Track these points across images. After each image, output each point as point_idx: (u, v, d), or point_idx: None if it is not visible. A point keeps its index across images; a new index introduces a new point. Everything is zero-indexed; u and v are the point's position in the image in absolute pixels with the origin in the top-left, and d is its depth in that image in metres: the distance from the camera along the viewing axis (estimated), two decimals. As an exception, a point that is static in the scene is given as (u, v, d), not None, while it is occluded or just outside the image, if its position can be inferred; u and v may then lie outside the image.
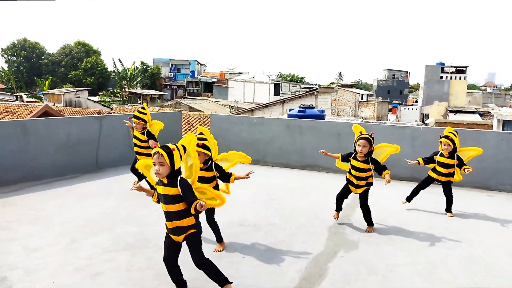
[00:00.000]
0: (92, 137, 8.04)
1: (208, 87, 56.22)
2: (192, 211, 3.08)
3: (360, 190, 4.97)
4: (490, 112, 38.72)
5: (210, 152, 4.11)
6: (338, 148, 8.54)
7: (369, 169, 4.83)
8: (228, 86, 53.52)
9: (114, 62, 48.92)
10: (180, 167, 3.16)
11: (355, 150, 4.86)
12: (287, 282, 3.62)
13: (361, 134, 4.86)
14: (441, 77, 49.09)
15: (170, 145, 3.12)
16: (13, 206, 5.53)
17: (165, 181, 3.14)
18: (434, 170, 5.71)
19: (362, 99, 33.76)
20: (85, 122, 8.02)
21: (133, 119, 6.19)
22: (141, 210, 5.54)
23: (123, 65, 49.39)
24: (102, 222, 5.04)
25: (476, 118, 40.37)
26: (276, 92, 51.44)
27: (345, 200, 5.28)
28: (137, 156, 6.22)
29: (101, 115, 8.86)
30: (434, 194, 6.08)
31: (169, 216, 3.17)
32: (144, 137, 6.10)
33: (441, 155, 5.54)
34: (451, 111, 45.23)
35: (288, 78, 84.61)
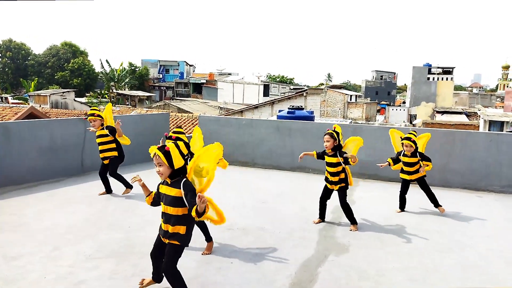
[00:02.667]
0: (77, 140, 7.85)
1: (197, 88, 55.92)
2: (193, 214, 2.96)
3: (336, 187, 5.11)
4: (476, 112, 39.27)
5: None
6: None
7: (339, 163, 4.97)
8: (217, 87, 53.30)
9: (101, 63, 48.18)
10: (184, 166, 3.08)
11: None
12: (277, 288, 3.53)
13: (327, 131, 5.05)
14: (428, 78, 49.65)
15: (168, 144, 3.05)
16: (-7, 212, 5.33)
17: (169, 181, 3.11)
18: (402, 171, 5.86)
19: (350, 100, 33.93)
20: (70, 124, 7.82)
21: (89, 118, 6.20)
22: (127, 215, 5.40)
23: (110, 66, 48.88)
24: (86, 228, 4.88)
25: (462, 118, 40.87)
26: (266, 93, 51.39)
27: (328, 202, 5.33)
28: (101, 154, 6.19)
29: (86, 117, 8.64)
30: (423, 195, 6.03)
31: (166, 218, 3.14)
32: (105, 131, 6.14)
33: (404, 155, 5.71)
34: (438, 112, 45.72)
35: (278, 79, 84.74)
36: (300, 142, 8.61)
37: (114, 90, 48.46)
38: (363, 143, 5.23)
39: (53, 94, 32.97)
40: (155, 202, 3.33)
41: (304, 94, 28.16)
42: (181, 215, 3.09)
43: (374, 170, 7.95)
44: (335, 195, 5.20)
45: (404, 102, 64.54)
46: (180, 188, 3.05)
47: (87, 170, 7.94)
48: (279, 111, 12.81)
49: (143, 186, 3.35)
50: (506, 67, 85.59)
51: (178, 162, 3.04)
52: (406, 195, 5.89)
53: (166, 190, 3.12)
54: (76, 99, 36.67)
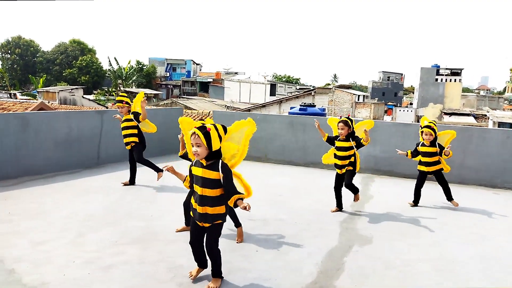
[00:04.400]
0: (94, 132, 7.90)
1: (204, 87, 56.05)
2: (231, 204, 3.00)
3: (344, 170, 5.24)
4: (484, 114, 39.02)
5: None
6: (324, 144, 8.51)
7: (351, 147, 5.14)
8: (224, 86, 53.40)
9: (109, 61, 48.37)
10: (220, 149, 3.04)
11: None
12: (305, 276, 3.53)
13: (340, 118, 5.22)
14: (436, 80, 49.36)
15: (207, 125, 3.00)
16: (13, 200, 5.38)
17: (204, 163, 3.04)
18: (420, 163, 5.78)
19: (358, 100, 33.84)
20: (87, 117, 7.87)
21: (117, 104, 6.22)
22: (145, 205, 5.43)
23: (118, 64, 49.05)
24: (106, 216, 4.91)
25: (470, 120, 40.61)
26: (272, 92, 51.41)
27: (345, 194, 5.46)
28: (124, 140, 6.22)
29: (103, 109, 8.72)
30: (437, 191, 6.00)
31: (203, 200, 3.07)
32: (131, 116, 6.18)
33: (423, 145, 5.64)
34: (446, 113, 45.48)
35: (284, 79, 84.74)
36: (312, 137, 8.59)
37: (122, 88, 48.69)
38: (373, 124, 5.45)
39: (62, 90, 33.17)
40: (192, 186, 3.26)
41: (312, 93, 28.16)
42: (220, 195, 3.08)
43: (388, 166, 7.94)
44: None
45: (411, 104, 64.26)
46: (218, 171, 3.02)
47: (103, 162, 7.99)
48: (291, 108, 12.86)
49: (176, 173, 3.29)
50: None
51: (216, 144, 3.00)
52: (421, 189, 5.83)
53: (202, 172, 3.05)
54: (84, 96, 36.87)
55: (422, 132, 5.62)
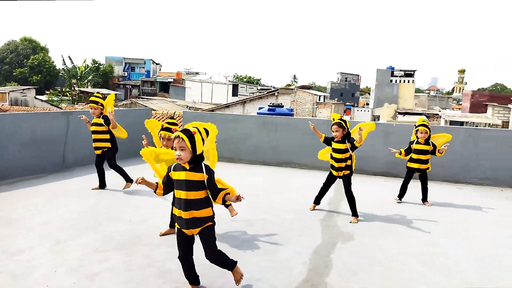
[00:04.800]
0: (59, 134, 7.53)
1: (164, 87, 55.00)
2: (219, 202, 2.97)
3: (341, 173, 5.15)
4: (437, 114, 41.16)
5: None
6: (313, 144, 8.66)
7: (347, 150, 5.04)
8: (185, 86, 52.68)
9: (63, 60, 46.23)
10: (202, 152, 2.99)
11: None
12: (295, 275, 3.57)
13: (334, 120, 5.11)
14: (391, 81, 51.48)
15: (191, 128, 2.94)
16: (-22, 208, 5.03)
17: (187, 167, 2.95)
18: (411, 160, 5.95)
19: (319, 100, 34.58)
20: (51, 118, 7.49)
21: (90, 104, 5.96)
22: (123, 209, 5.26)
23: (73, 63, 47.05)
24: (84, 222, 4.71)
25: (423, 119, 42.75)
26: (234, 93, 51.38)
27: (327, 193, 5.50)
28: (94, 144, 5.99)
29: (69, 110, 8.34)
30: (417, 188, 6.27)
31: (188, 205, 2.96)
32: (101, 121, 5.92)
33: (417, 143, 5.81)
34: (400, 113, 47.55)
35: (245, 79, 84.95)
36: (284, 137, 8.71)
37: (77, 88, 46.70)
38: (375, 127, 5.50)
39: (13, 91, 31.30)
40: (166, 191, 3.16)
41: (276, 94, 28.44)
42: (205, 197, 3.03)
43: (358, 165, 8.18)
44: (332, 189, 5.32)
45: (367, 104, 66.57)
46: (202, 172, 2.97)
47: (69, 166, 7.65)
48: (260, 108, 12.93)
49: (147, 183, 3.09)
50: (462, 71, 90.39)
51: (200, 147, 2.94)
52: (408, 185, 6.06)
53: (186, 175, 2.94)
54: (37, 96, 34.99)
55: (417, 130, 5.77)
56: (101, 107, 5.98)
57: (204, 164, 3.03)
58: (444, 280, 3.57)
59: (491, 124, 27.98)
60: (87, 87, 49.29)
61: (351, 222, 5.06)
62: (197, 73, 62.91)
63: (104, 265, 3.62)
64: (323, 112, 32.10)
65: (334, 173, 5.25)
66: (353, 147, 5.03)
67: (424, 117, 6.14)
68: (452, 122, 30.84)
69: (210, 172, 3.02)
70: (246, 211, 5.30)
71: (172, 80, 55.29)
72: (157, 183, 3.18)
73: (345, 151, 5.06)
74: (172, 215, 4.29)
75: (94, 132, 5.99)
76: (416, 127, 5.88)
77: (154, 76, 58.57)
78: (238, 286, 3.26)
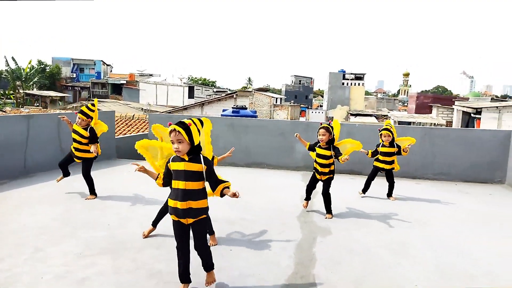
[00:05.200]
0: (19, 139, 7.17)
1: (117, 89, 53.28)
2: (217, 194, 3.04)
3: (325, 177, 5.36)
4: (386, 115, 43.29)
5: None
6: (282, 146, 8.92)
7: (331, 156, 5.21)
8: (139, 88, 51.33)
9: (6, 61, 43.46)
10: (200, 143, 3.06)
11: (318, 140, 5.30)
12: (284, 268, 3.73)
13: (321, 124, 5.29)
14: (343, 84, 53.44)
15: (186, 120, 3.00)
16: None
17: (186, 158, 3.02)
18: (378, 160, 6.33)
19: (276, 102, 35.15)
20: (11, 123, 7.12)
21: (79, 115, 5.74)
22: (98, 214, 5.15)
23: (17, 64, 44.34)
24: (60, 228, 4.57)
25: (373, 120, 44.80)
26: (191, 95, 50.87)
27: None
28: (76, 152, 5.77)
29: (29, 114, 7.95)
30: (380, 185, 6.67)
31: (186, 194, 3.03)
32: (86, 133, 5.71)
33: (383, 145, 6.19)
34: (352, 114, 49.54)
35: (200, 81, 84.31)
36: (254, 139, 8.87)
37: (21, 90, 44.03)
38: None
39: (-51, 93, 28.88)
40: (166, 182, 3.23)
41: (234, 96, 28.55)
42: (202, 188, 3.11)
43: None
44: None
45: (321, 106, 68.53)
46: (201, 163, 3.05)
47: (31, 171, 7.31)
48: (224, 110, 13.00)
49: (147, 171, 3.26)
50: (407, 75, 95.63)
51: (197, 138, 3.03)
52: (371, 182, 6.44)
53: (184, 165, 3.02)
54: (-23, 99, 32.55)
55: (381, 134, 6.14)
56: (89, 120, 5.79)
57: (203, 155, 3.11)
58: (417, 267, 3.88)
59: (436, 124, 29.93)
60: (32, 89, 46.62)
61: (326, 218, 5.32)
62: (151, 75, 61.52)
63: (91, 270, 3.56)
64: (280, 114, 32.67)
65: (318, 176, 5.43)
66: (337, 156, 5.17)
67: (390, 121, 6.62)
68: (400, 123, 32.64)
69: (208, 163, 3.10)
70: (227, 211, 5.38)
71: (124, 82, 53.65)
72: (159, 173, 3.26)
73: (329, 157, 5.23)
74: (159, 214, 4.33)
75: (76, 141, 5.76)
76: (380, 131, 6.25)
77: (105, 78, 56.51)
78: (231, 280, 3.35)
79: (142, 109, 39.33)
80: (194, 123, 3.05)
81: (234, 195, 3.01)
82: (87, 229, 4.57)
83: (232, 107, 12.44)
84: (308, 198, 5.67)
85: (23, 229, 4.48)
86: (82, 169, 5.87)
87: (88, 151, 5.79)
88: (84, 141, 5.73)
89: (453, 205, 6.31)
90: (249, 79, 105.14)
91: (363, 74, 55.85)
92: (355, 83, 54.20)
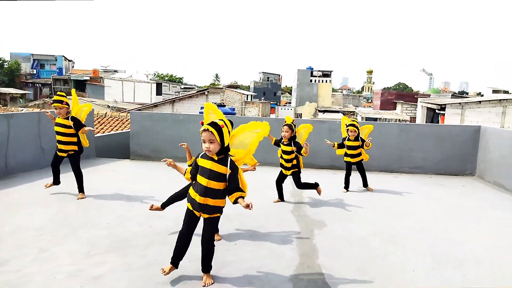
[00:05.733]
0: (0, 139, 6.93)
1: (80, 86, 51.49)
2: (231, 200, 3.16)
3: (289, 172, 5.74)
4: (353, 111, 44.48)
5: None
6: (268, 143, 9.07)
7: (292, 152, 5.62)
8: (104, 84, 49.87)
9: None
10: (228, 144, 3.16)
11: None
12: (289, 260, 3.91)
13: (285, 122, 5.68)
14: (311, 81, 54.35)
15: (219, 122, 3.10)
16: None
17: (215, 158, 3.13)
18: (346, 155, 6.73)
19: (247, 99, 35.32)
20: (-11, 121, 6.86)
21: (54, 104, 5.62)
22: (94, 214, 5.13)
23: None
24: (59, 229, 4.53)
25: (340, 116, 46.02)
26: (158, 92, 50.02)
27: (284, 186, 6.03)
28: (59, 146, 5.68)
29: (9, 113, 7.68)
30: (357, 179, 7.00)
31: (206, 192, 3.16)
32: (69, 122, 5.62)
33: (348, 140, 6.60)
34: (320, 111, 50.56)
35: (166, 78, 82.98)
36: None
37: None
38: (312, 129, 5.99)
39: None
40: (193, 176, 3.33)
41: (206, 93, 28.44)
42: (223, 189, 3.22)
43: (306, 160, 8.80)
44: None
45: (288, 103, 69.39)
46: (227, 166, 3.15)
47: (13, 172, 7.11)
48: (201, 107, 12.95)
49: (176, 167, 3.47)
50: (370, 72, 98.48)
51: (227, 139, 3.14)
52: (349, 177, 6.76)
53: (212, 165, 3.13)
54: None
55: (347, 129, 6.51)
56: (67, 106, 5.66)
57: (231, 160, 3.21)
58: (411, 255, 4.17)
59: (400, 119, 31.18)
60: (-11, 86, 44.28)
61: (319, 193, 5.88)
62: (115, 71, 59.96)
63: (103, 268, 3.59)
64: (251, 111, 32.86)
65: (284, 171, 5.83)
66: (298, 151, 5.58)
67: (356, 118, 7.05)
68: (367, 119, 33.73)
69: (234, 168, 3.21)
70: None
71: (88, 78, 52.01)
72: (186, 168, 3.42)
73: (291, 152, 5.63)
74: (170, 199, 4.41)
75: (59, 133, 5.65)
76: (346, 126, 6.63)
77: (67, 74, 54.52)
78: (241, 273, 3.49)
79: (108, 106, 38.30)
80: (226, 124, 3.16)
81: (247, 206, 3.09)
82: (87, 229, 4.56)
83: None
84: (280, 196, 5.99)
85: (21, 231, 4.40)
86: (71, 165, 5.78)
87: (73, 143, 5.70)
88: (68, 131, 5.63)
89: (432, 196, 6.73)
90: (217, 76, 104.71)
91: (330, 71, 57.05)
92: (322, 80, 55.27)
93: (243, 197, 3.25)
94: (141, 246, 4.11)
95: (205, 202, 3.19)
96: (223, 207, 3.34)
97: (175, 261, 3.42)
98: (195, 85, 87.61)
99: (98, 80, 51.70)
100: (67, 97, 5.77)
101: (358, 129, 6.52)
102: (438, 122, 20.44)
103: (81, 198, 5.75)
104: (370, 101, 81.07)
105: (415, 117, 30.42)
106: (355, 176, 6.99)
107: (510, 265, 3.97)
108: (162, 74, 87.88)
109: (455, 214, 5.73)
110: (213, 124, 3.09)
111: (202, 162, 3.20)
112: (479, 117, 18.33)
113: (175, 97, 30.87)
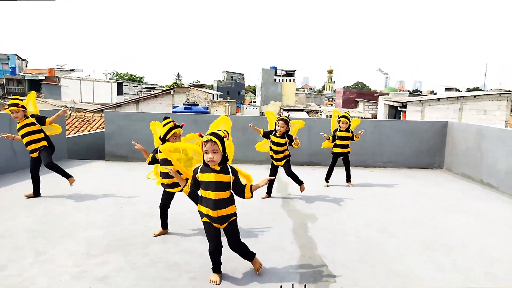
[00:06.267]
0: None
1: (34, 86, 49.03)
2: (248, 195, 3.22)
3: (282, 163, 5.92)
4: (317, 110, 45.46)
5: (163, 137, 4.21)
6: (245, 141, 9.17)
7: (285, 144, 5.84)
8: (61, 84, 47.82)
9: None
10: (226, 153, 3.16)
11: (275, 129, 5.85)
12: (292, 252, 4.01)
13: (280, 116, 5.88)
14: (275, 80, 54.91)
15: (220, 132, 3.11)
16: None
17: (217, 168, 3.12)
18: (336, 146, 6.96)
19: (213, 98, 35.18)
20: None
21: (12, 108, 5.43)
22: (82, 215, 5.00)
23: None
24: (52, 230, 4.39)
25: (304, 115, 46.86)
26: (119, 91, 48.65)
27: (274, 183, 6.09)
28: (29, 147, 5.51)
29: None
30: (343, 173, 7.25)
31: (217, 204, 3.16)
32: (30, 119, 5.51)
33: (340, 130, 6.87)
34: (284, 110, 51.22)
35: (126, 77, 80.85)
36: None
37: None
38: (304, 125, 6.16)
39: None
40: (193, 191, 3.30)
41: (172, 93, 28.02)
42: (230, 196, 3.25)
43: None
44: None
45: (252, 102, 69.70)
46: (229, 174, 3.17)
47: (-16, 175, 6.72)
48: (174, 106, 12.86)
49: (178, 176, 3.36)
50: (331, 71, 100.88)
51: (229, 149, 3.18)
52: (333, 169, 7.00)
53: (215, 177, 3.12)
54: None
55: (339, 121, 6.78)
56: (23, 109, 5.53)
57: (230, 166, 3.23)
58: (404, 242, 4.41)
59: (363, 117, 32.26)
60: None
61: (301, 191, 5.95)
62: (72, 70, 57.70)
63: (107, 267, 3.54)
64: (218, 110, 32.77)
65: (275, 163, 5.96)
66: (290, 143, 5.79)
67: (347, 110, 7.33)
68: (330, 117, 34.63)
69: (235, 173, 3.23)
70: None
71: (43, 77, 49.67)
72: (187, 179, 3.35)
73: (284, 144, 5.82)
74: (162, 216, 4.34)
75: (26, 134, 5.49)
76: (339, 118, 6.88)
77: (21, 73, 51.76)
78: (248, 268, 3.56)
79: (66, 106, 36.77)
80: (228, 133, 3.19)
81: (265, 182, 3.22)
82: (81, 229, 4.44)
83: (184, 104, 12.37)
84: (269, 191, 6.14)
85: (12, 233, 4.23)
86: (43, 161, 5.57)
87: (41, 140, 5.56)
88: (33, 128, 5.51)
89: (409, 188, 7.08)
90: (178, 75, 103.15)
91: (294, 71, 57.91)
92: (286, 79, 55.99)
93: (252, 184, 3.31)
94: (141, 245, 4.07)
95: (219, 214, 3.20)
96: (236, 212, 3.36)
97: (218, 268, 3.40)
98: (156, 84, 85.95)
99: (54, 80, 49.53)
100: (22, 98, 5.61)
101: (350, 121, 6.79)
102: (400, 119, 21.38)
103: (73, 182, 5.71)
104: (331, 99, 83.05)
105: (376, 115, 31.58)
106: (335, 172, 7.22)
107: (493, 248, 4.30)
108: (121, 73, 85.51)
109: (435, 203, 6.08)
110: (215, 135, 3.07)
111: (204, 177, 3.16)
112: (438, 113, 19.37)
113: (140, 97, 30.18)
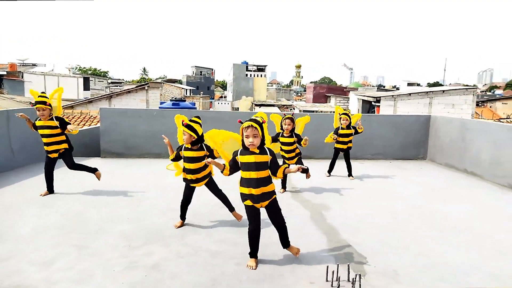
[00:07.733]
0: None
1: (-5, 81, 46.65)
2: (280, 175, 3.51)
3: (294, 161, 6.11)
4: (289, 105, 46.07)
5: (196, 134, 4.38)
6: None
7: (294, 142, 6.01)
8: (23, 80, 45.77)
9: None
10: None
11: (281, 129, 6.00)
12: (317, 237, 4.31)
13: (285, 115, 6.02)
14: (246, 75, 55.09)
15: (258, 118, 3.44)
16: None
17: (257, 151, 3.43)
18: (338, 142, 7.32)
19: (186, 94, 34.96)
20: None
21: (38, 106, 5.41)
22: (105, 210, 5.09)
23: None
24: (84, 226, 4.47)
25: (276, 110, 47.37)
26: (86, 87, 47.22)
27: (277, 181, 6.24)
28: (49, 147, 5.53)
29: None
30: (343, 165, 7.64)
31: (259, 183, 3.45)
32: (55, 123, 5.51)
33: (342, 128, 7.21)
34: (256, 105, 51.56)
35: (90, 72, 78.39)
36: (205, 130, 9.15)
37: None
38: (309, 120, 6.41)
39: None
40: (232, 172, 3.59)
41: (146, 88, 27.57)
42: (269, 175, 3.55)
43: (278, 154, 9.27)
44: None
45: (223, 97, 69.55)
46: (267, 154, 3.49)
47: (-16, 174, 6.59)
48: (161, 103, 12.86)
49: (216, 163, 3.54)
50: (299, 66, 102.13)
51: (267, 133, 3.53)
52: (335, 163, 7.37)
53: (256, 158, 3.43)
54: None
55: (340, 118, 7.09)
56: (50, 108, 5.50)
57: (267, 147, 3.53)
58: (412, 227, 4.84)
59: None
60: None
61: (308, 177, 5.96)
62: (34, 65, 55.28)
63: (155, 257, 3.70)
64: (192, 105, 32.63)
65: (288, 162, 6.10)
66: (299, 141, 5.94)
67: (347, 108, 7.68)
68: (305, 111, 35.34)
69: (273, 154, 3.56)
70: (208, 197, 5.14)
71: (5, 73, 47.31)
72: (224, 164, 3.58)
73: (293, 143, 6.00)
74: (183, 209, 4.52)
75: (46, 136, 5.48)
76: (340, 115, 7.23)
77: (-22, 68, 49.00)
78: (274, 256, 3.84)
79: (30, 102, 35.38)
80: (263, 119, 3.52)
81: (298, 169, 3.48)
82: (110, 225, 4.55)
83: (171, 100, 12.37)
84: (284, 187, 6.36)
85: (41, 231, 4.27)
86: (66, 163, 5.64)
87: (62, 142, 5.59)
88: (56, 131, 5.52)
89: (403, 178, 7.58)
90: (144, 69, 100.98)
91: (265, 66, 58.32)
92: (257, 75, 56.31)
93: (287, 167, 3.59)
94: (176, 237, 4.24)
95: (261, 191, 3.49)
96: (275, 190, 3.65)
97: (255, 253, 3.64)
98: (122, 79, 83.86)
99: (17, 75, 47.33)
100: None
101: (350, 118, 7.12)
102: (374, 113, 22.23)
103: (99, 176, 5.88)
104: (299, 94, 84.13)
105: (349, 110, 32.55)
106: (338, 164, 7.57)
107: (495, 229, 4.81)
108: (84, 67, 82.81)
109: (430, 191, 6.58)
110: (255, 121, 3.42)
111: (245, 159, 3.46)
112: (409, 108, 20.33)
113: (112, 92, 29.48)
